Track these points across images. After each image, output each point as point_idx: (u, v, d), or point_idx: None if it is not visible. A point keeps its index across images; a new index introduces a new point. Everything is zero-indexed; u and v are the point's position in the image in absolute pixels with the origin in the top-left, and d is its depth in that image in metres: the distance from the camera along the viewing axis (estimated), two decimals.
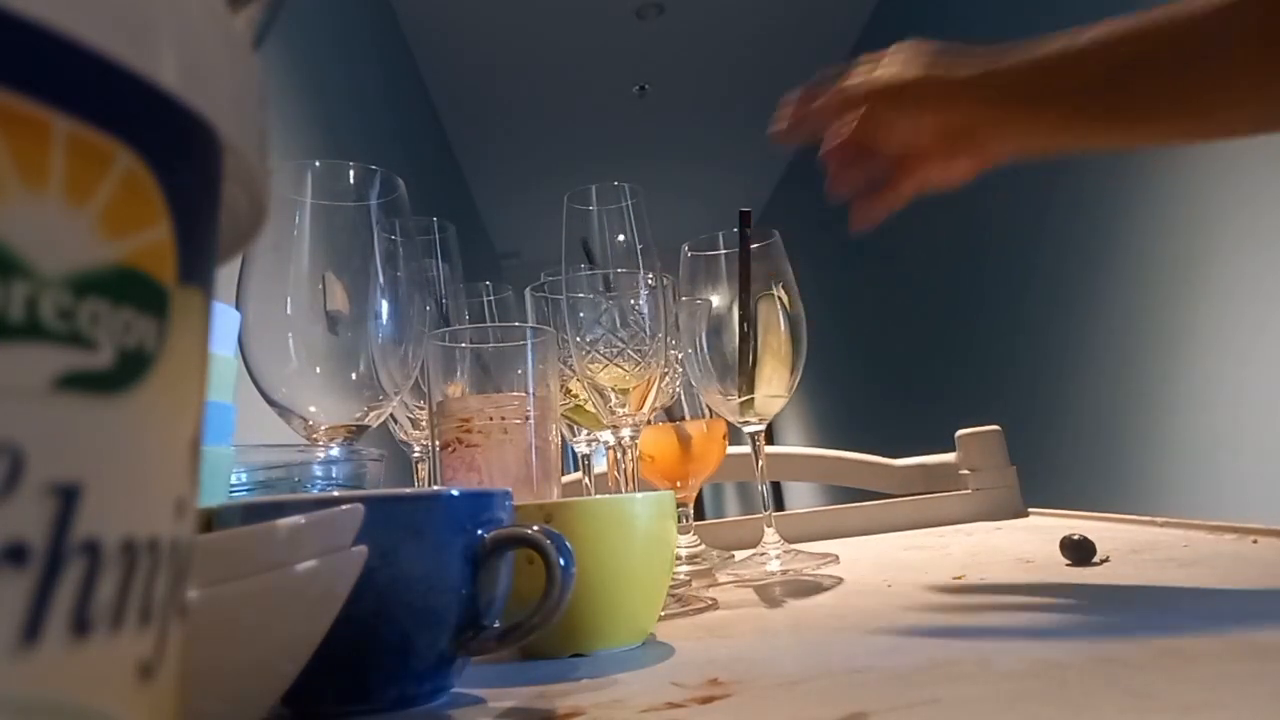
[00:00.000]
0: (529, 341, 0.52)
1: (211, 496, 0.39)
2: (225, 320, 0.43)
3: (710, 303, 0.63)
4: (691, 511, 0.71)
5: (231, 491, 0.43)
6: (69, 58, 0.08)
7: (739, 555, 0.66)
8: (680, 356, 0.65)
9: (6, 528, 0.08)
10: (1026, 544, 0.62)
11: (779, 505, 4.90)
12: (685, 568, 0.64)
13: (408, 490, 0.36)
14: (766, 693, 0.28)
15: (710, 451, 0.71)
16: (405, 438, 0.62)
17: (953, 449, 0.92)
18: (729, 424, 0.67)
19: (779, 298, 0.63)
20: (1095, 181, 2.05)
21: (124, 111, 0.09)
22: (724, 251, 0.63)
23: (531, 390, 0.51)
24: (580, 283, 0.55)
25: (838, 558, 0.61)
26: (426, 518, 0.31)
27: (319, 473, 0.46)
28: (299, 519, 0.24)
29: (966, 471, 0.88)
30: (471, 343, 0.52)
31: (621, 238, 0.55)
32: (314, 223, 0.49)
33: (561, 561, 0.31)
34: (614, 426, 0.56)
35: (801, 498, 4.88)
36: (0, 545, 0.07)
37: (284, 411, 0.48)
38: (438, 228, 0.64)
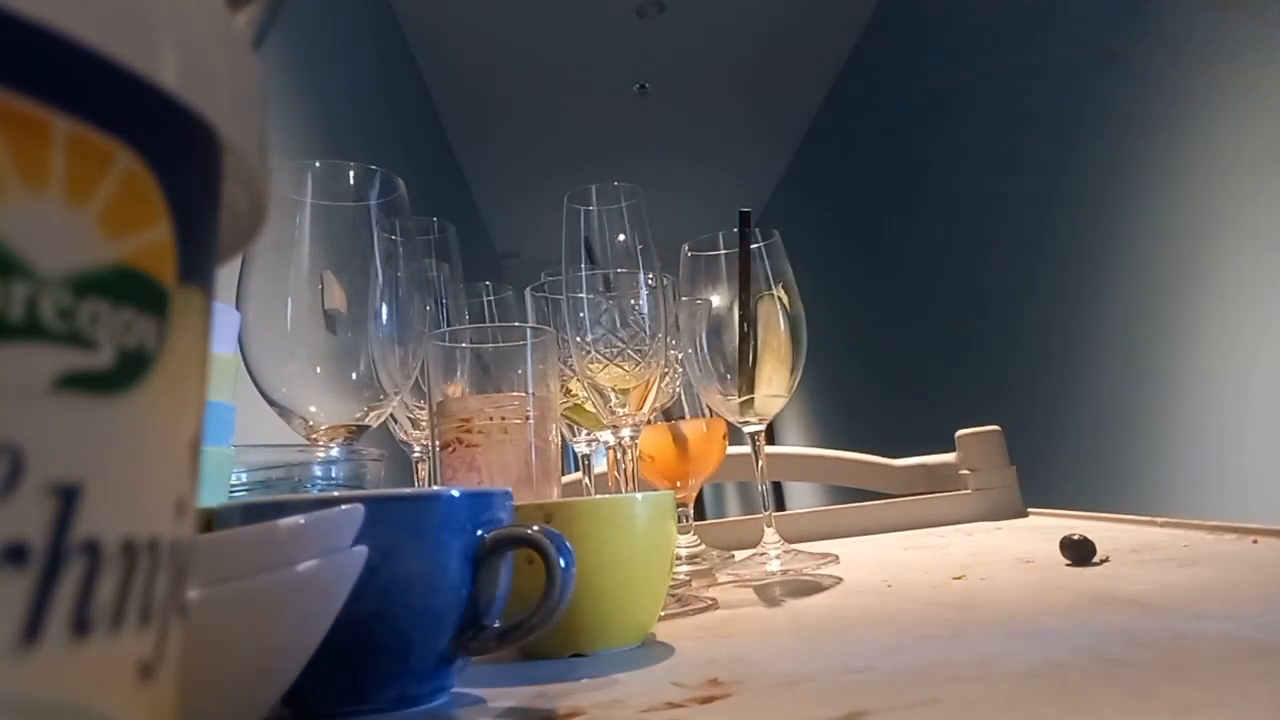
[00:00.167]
0: (529, 341, 0.52)
1: (211, 496, 0.39)
2: (225, 320, 0.43)
3: (710, 303, 0.63)
4: (691, 511, 0.71)
5: (231, 491, 0.43)
6: (69, 58, 0.08)
7: (739, 555, 0.66)
8: (680, 356, 0.65)
9: (6, 528, 0.08)
10: (1026, 544, 0.62)
11: (780, 505, 4.90)
12: (685, 568, 0.64)
13: (408, 490, 0.36)
14: (766, 693, 0.28)
15: (710, 452, 0.71)
16: (405, 438, 0.62)
17: (953, 449, 0.92)
18: (729, 424, 0.67)
19: (779, 298, 0.63)
20: (1097, 182, 2.05)
21: (124, 111, 0.09)
22: (724, 251, 0.63)
23: (531, 390, 0.51)
24: (580, 283, 0.55)
25: (838, 558, 0.61)
26: (426, 518, 0.31)
27: (319, 473, 0.46)
28: (299, 519, 0.24)
29: (966, 472, 0.88)
30: (471, 343, 0.52)
31: (622, 237, 0.55)
32: (314, 223, 0.49)
33: (561, 561, 0.31)
34: (614, 426, 0.56)
35: (802, 498, 4.88)
36: (0, 545, 0.07)
37: (284, 411, 0.48)
38: (438, 228, 0.64)
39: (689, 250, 0.64)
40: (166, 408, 0.10)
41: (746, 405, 0.62)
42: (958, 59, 2.70)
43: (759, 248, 0.63)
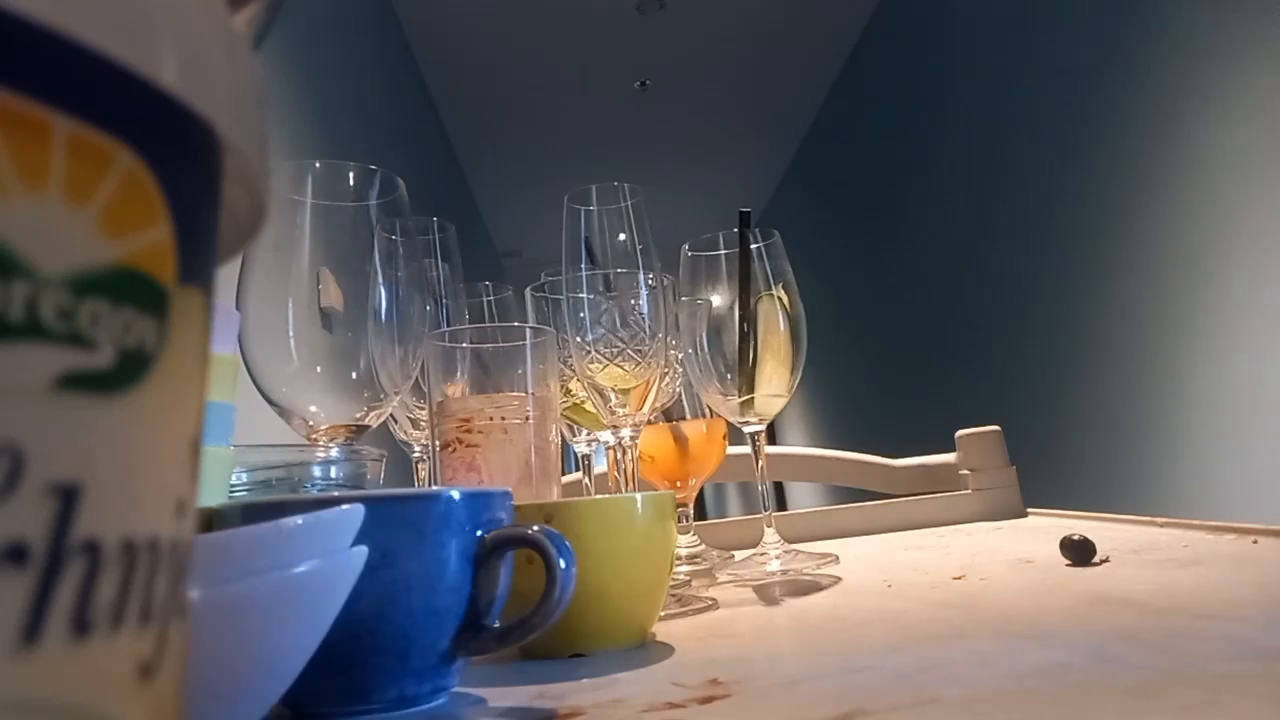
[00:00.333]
0: (529, 341, 0.52)
1: (211, 496, 0.39)
2: (225, 320, 0.43)
3: (710, 303, 0.63)
4: (691, 511, 0.71)
5: (231, 491, 0.43)
6: (69, 58, 0.08)
7: (739, 555, 0.66)
8: (680, 356, 0.65)
9: (6, 528, 0.08)
10: (1026, 544, 0.62)
11: (781, 505, 4.90)
12: (685, 568, 0.64)
13: (408, 490, 0.36)
14: (766, 693, 0.28)
15: (710, 452, 0.71)
16: (405, 438, 0.62)
17: (953, 449, 0.92)
18: (729, 424, 0.67)
19: (779, 298, 0.63)
20: (1099, 182, 2.05)
21: (124, 111, 0.09)
22: (724, 251, 0.63)
23: (531, 390, 0.51)
24: (580, 283, 0.55)
25: (838, 558, 0.61)
26: (426, 518, 0.31)
27: (319, 473, 0.46)
28: (299, 519, 0.24)
29: (966, 472, 0.88)
30: (471, 343, 0.53)
31: (622, 237, 0.55)
32: (314, 223, 0.49)
33: (561, 562, 0.31)
34: (614, 426, 0.56)
35: (804, 498, 4.88)
36: (1, 545, 0.07)
37: (284, 411, 0.48)
38: (438, 228, 0.64)
39: (689, 250, 0.64)
40: (167, 408, 0.10)
41: (746, 405, 0.62)
42: (959, 58, 2.70)
43: (759, 248, 0.63)
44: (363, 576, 0.26)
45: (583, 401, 0.60)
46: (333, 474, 0.46)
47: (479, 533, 0.31)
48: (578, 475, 0.68)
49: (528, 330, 0.52)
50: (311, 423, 0.48)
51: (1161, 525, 0.62)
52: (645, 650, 0.38)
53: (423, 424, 0.61)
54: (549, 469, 0.51)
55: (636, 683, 0.32)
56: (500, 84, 3.50)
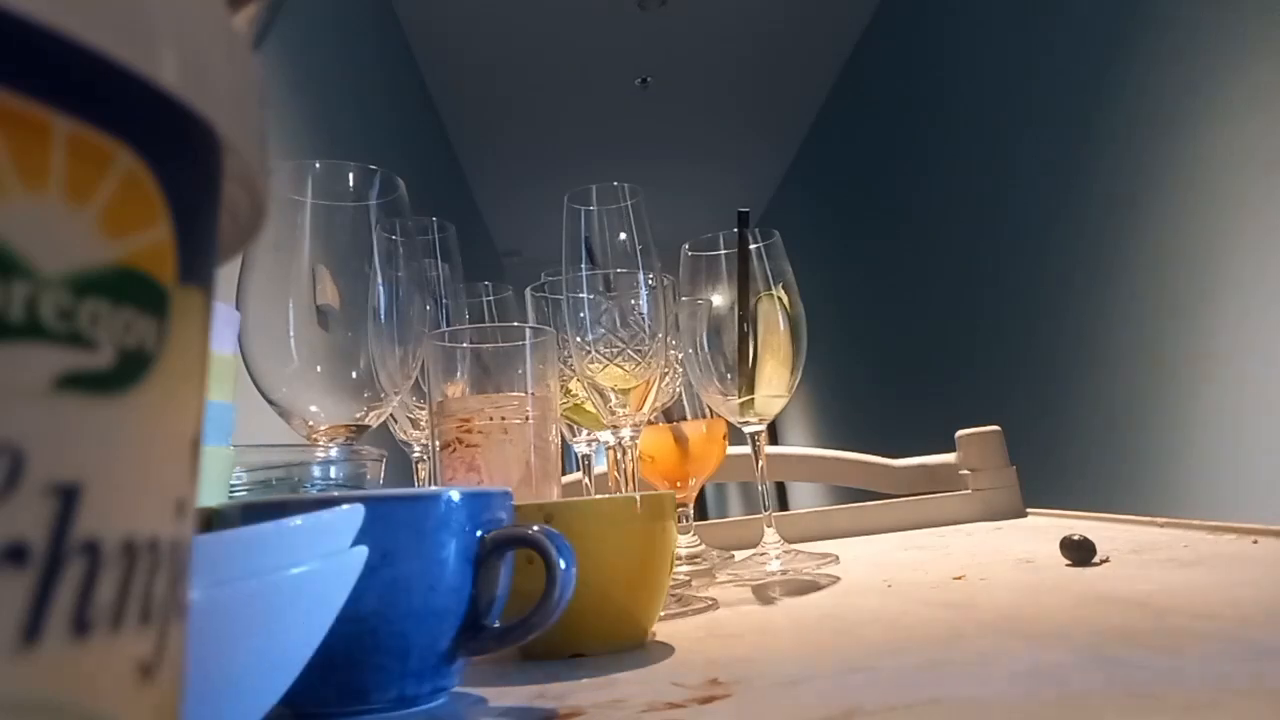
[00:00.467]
0: (529, 341, 0.52)
1: (211, 496, 0.39)
2: (225, 320, 0.43)
3: (710, 303, 0.63)
4: (691, 511, 0.71)
5: (231, 491, 0.43)
6: (69, 58, 0.08)
7: (739, 555, 0.66)
8: (680, 356, 0.65)
9: (6, 528, 0.08)
10: (1026, 544, 0.62)
11: (783, 505, 4.90)
12: (685, 568, 0.64)
13: (408, 490, 0.36)
14: (766, 693, 0.28)
15: (710, 452, 0.71)
16: (405, 438, 0.62)
17: (953, 449, 0.92)
18: (730, 424, 0.67)
19: (779, 298, 0.63)
20: (1102, 182, 2.05)
21: (124, 111, 0.09)
22: (724, 252, 0.63)
23: (531, 390, 0.51)
24: (580, 283, 0.55)
25: (838, 558, 0.61)
26: (426, 518, 0.31)
27: (319, 473, 0.46)
28: (299, 519, 0.24)
29: (967, 472, 0.88)
30: (471, 343, 0.53)
31: (623, 236, 0.56)
32: (314, 223, 0.49)
33: (561, 562, 0.31)
34: (614, 426, 0.56)
35: (805, 498, 4.88)
36: (0, 545, 0.07)
37: (284, 411, 0.48)
38: (437, 228, 0.64)
39: (689, 250, 0.64)
40: (167, 408, 0.10)
41: (746, 405, 0.62)
42: (961, 57, 2.70)
43: (758, 248, 0.63)
44: (363, 576, 0.26)
45: (583, 402, 0.60)
46: (333, 474, 0.46)
47: (479, 533, 0.31)
48: (578, 475, 0.68)
49: (527, 330, 0.52)
50: (311, 423, 0.48)
51: (1161, 525, 0.62)
52: (645, 650, 0.38)
53: (423, 424, 0.61)
54: (549, 469, 0.51)
55: (636, 683, 0.32)
56: (500, 82, 3.49)
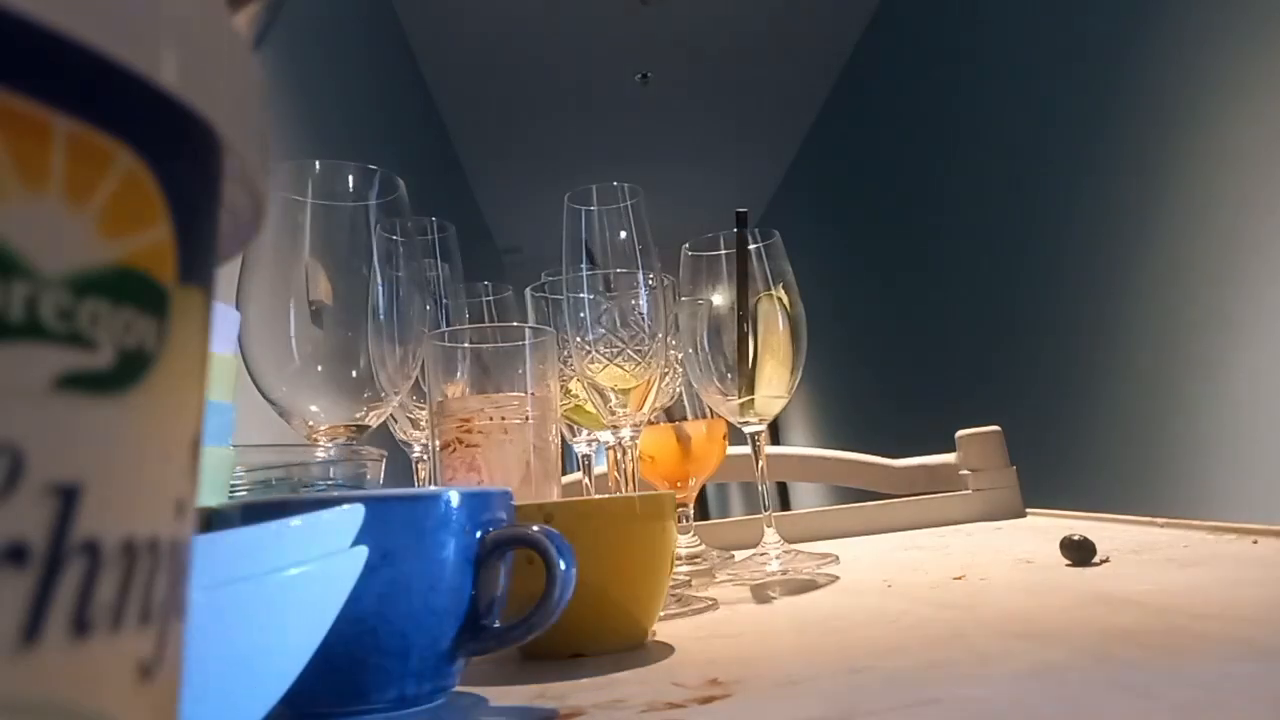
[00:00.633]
0: (528, 341, 0.52)
1: (211, 496, 0.39)
2: (225, 320, 0.43)
3: (710, 303, 0.63)
4: (692, 511, 0.71)
5: (231, 491, 0.43)
6: (69, 58, 0.08)
7: (739, 555, 0.66)
8: (680, 356, 0.65)
9: (6, 528, 0.08)
10: (1026, 544, 0.62)
11: (785, 505, 4.89)
12: (685, 568, 0.64)
13: (408, 490, 0.36)
14: (766, 693, 0.28)
15: (710, 452, 0.71)
16: (405, 438, 0.62)
17: (954, 449, 0.92)
18: (730, 424, 0.67)
19: (779, 298, 0.63)
20: (1106, 184, 2.05)
21: (124, 111, 0.09)
22: (724, 252, 0.63)
23: (531, 390, 0.51)
24: (580, 283, 0.55)
25: (838, 558, 0.61)
26: (426, 518, 0.31)
27: (319, 473, 0.46)
28: (299, 519, 0.24)
29: (967, 472, 0.88)
30: (471, 343, 0.52)
31: (623, 234, 0.56)
32: (314, 223, 0.49)
33: (561, 562, 0.31)
34: (614, 426, 0.56)
35: (807, 498, 4.87)
36: (0, 545, 0.07)
37: (284, 411, 0.48)
38: (437, 228, 0.64)
39: (689, 250, 0.64)
40: (166, 408, 0.10)
41: (746, 406, 0.62)
42: (966, 51, 2.70)
43: (758, 248, 0.63)
44: (363, 576, 0.26)
45: (583, 402, 0.60)
46: (333, 474, 0.46)
47: (479, 533, 0.31)
48: (578, 475, 0.68)
49: (527, 330, 0.52)
50: (311, 423, 0.48)
51: (1161, 525, 0.62)
52: (645, 650, 0.38)
53: (423, 424, 0.61)
54: (549, 469, 0.51)
55: (636, 683, 0.32)
56: (500, 78, 3.46)
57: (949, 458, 0.92)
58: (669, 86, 3.65)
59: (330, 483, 0.46)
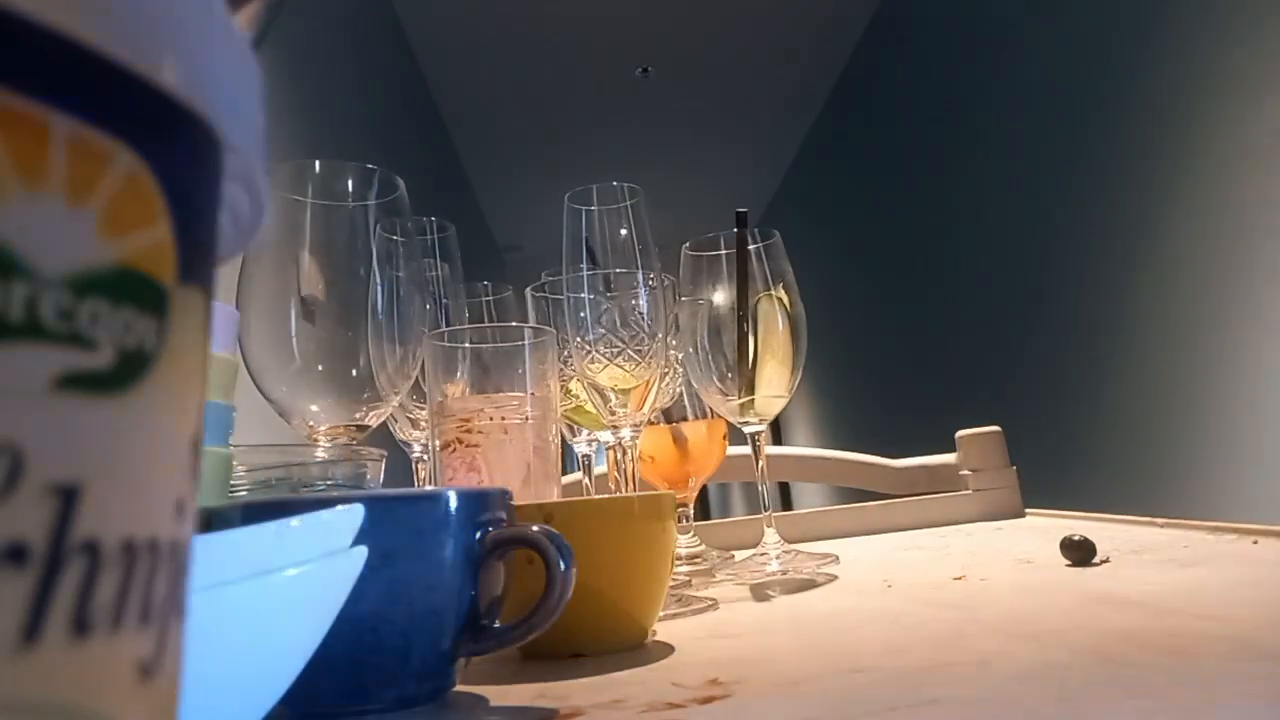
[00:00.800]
0: (528, 341, 0.52)
1: (211, 496, 0.39)
2: (225, 320, 0.43)
3: (710, 303, 0.63)
4: (692, 511, 0.71)
5: (231, 491, 0.43)
6: (69, 57, 0.08)
7: (739, 555, 0.66)
8: (680, 356, 0.65)
9: (6, 528, 0.08)
10: (1026, 544, 0.62)
11: (786, 506, 4.89)
12: (685, 568, 0.64)
13: (408, 490, 0.36)
14: (766, 693, 0.28)
15: (710, 452, 0.71)
16: (405, 438, 0.62)
17: (954, 449, 0.92)
18: (730, 424, 0.67)
19: (779, 298, 0.63)
20: (1106, 187, 2.05)
21: (124, 111, 0.09)
22: (724, 252, 0.63)
23: (531, 390, 0.51)
24: (580, 283, 0.55)
25: (838, 558, 0.61)
26: (426, 518, 0.31)
27: (319, 473, 0.46)
28: (298, 519, 0.24)
29: (967, 472, 0.88)
30: (471, 343, 0.53)
31: (624, 232, 0.56)
32: (314, 223, 0.49)
33: (561, 562, 0.31)
34: (614, 426, 0.56)
35: (810, 498, 4.87)
36: (0, 545, 0.07)
37: (284, 411, 0.48)
38: (437, 228, 0.64)
39: (689, 250, 0.64)
40: (166, 408, 0.10)
41: (747, 406, 0.62)
42: (972, 44, 2.69)
43: (758, 248, 0.63)
44: (363, 576, 0.26)
45: (584, 403, 0.60)
46: (332, 474, 0.46)
47: (479, 533, 0.31)
48: (578, 475, 0.68)
49: (527, 330, 0.52)
50: (311, 423, 0.48)
51: (1161, 525, 0.62)
52: (645, 650, 0.38)
53: (423, 424, 0.61)
54: (549, 469, 0.51)
55: (636, 683, 0.32)
56: (499, 73, 3.42)
57: (949, 458, 0.92)
58: (670, 80, 3.60)
59: (330, 483, 0.46)
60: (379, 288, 0.49)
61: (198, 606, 0.20)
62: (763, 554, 0.61)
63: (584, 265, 0.55)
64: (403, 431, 0.62)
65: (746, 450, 0.65)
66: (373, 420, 0.50)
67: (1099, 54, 1.99)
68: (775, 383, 0.62)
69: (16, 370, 0.08)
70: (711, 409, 0.68)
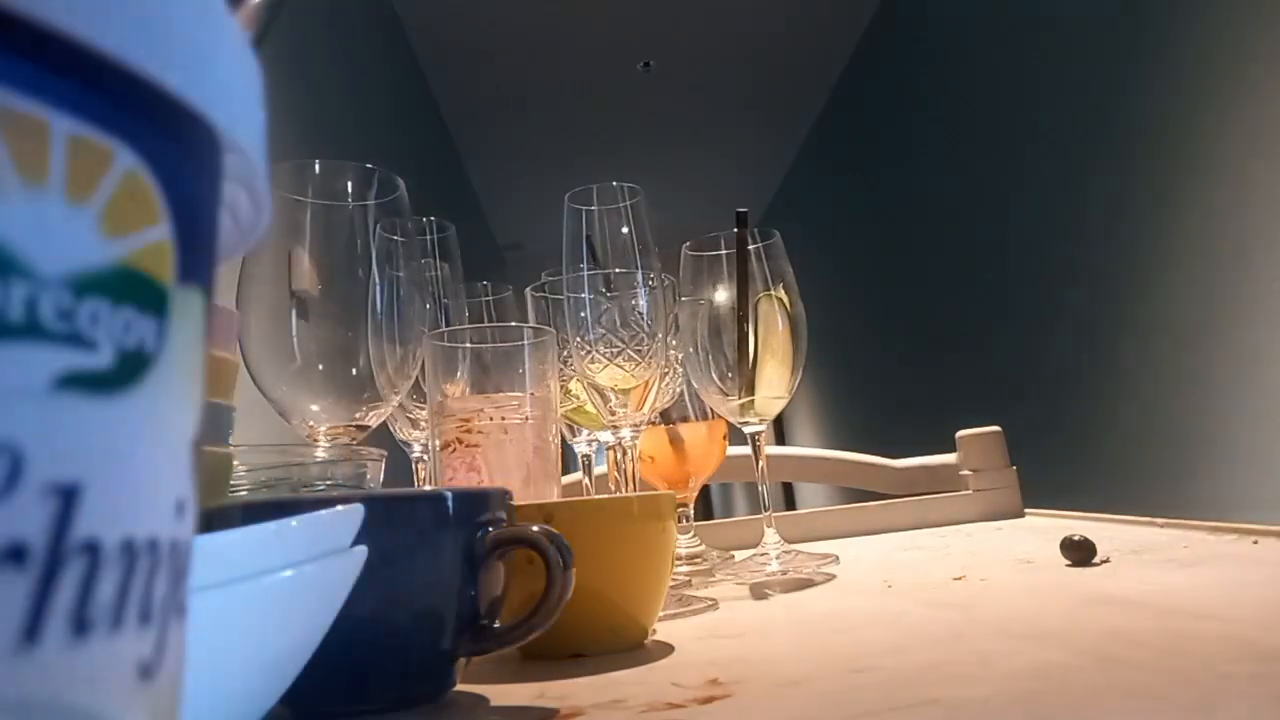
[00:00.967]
0: (528, 341, 0.52)
1: (211, 496, 0.39)
2: (225, 320, 0.43)
3: (710, 303, 0.63)
4: (692, 512, 0.71)
5: (231, 491, 0.43)
6: (69, 57, 0.08)
7: (739, 555, 0.66)
8: (680, 356, 0.65)
9: (6, 528, 0.08)
10: (1027, 544, 0.62)
11: (790, 506, 4.88)
12: (685, 568, 0.64)
13: (408, 490, 0.36)
14: (766, 693, 0.28)
15: (710, 453, 0.71)
16: (405, 438, 0.62)
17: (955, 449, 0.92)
18: (731, 424, 0.67)
19: (779, 298, 0.63)
20: (1109, 188, 2.05)
21: (124, 111, 0.09)
22: (725, 252, 0.63)
23: (531, 390, 0.51)
24: (580, 282, 0.55)
25: (838, 558, 0.61)
26: (426, 518, 0.31)
27: (319, 473, 0.46)
28: (298, 519, 0.24)
29: (967, 472, 0.88)
30: (471, 343, 0.53)
31: (625, 230, 0.56)
32: (314, 223, 0.49)
33: (561, 561, 0.31)
34: (614, 427, 0.56)
35: (814, 498, 4.86)
36: (0, 545, 0.07)
37: (284, 410, 0.48)
38: (437, 228, 0.64)
39: (689, 250, 0.64)
40: (166, 408, 0.10)
41: (747, 406, 0.62)
42: (980, 32, 2.68)
43: (758, 248, 0.63)
44: (363, 576, 0.26)
45: (584, 403, 0.60)
46: (332, 474, 0.46)
47: (479, 533, 0.31)
48: (578, 475, 0.68)
49: (527, 330, 0.52)
50: (312, 422, 0.48)
51: (1161, 525, 0.62)
52: (645, 650, 0.38)
53: (423, 424, 0.61)
54: (549, 469, 0.51)
55: (636, 683, 0.32)
56: (499, 69, 3.40)
57: (949, 458, 0.92)
58: (671, 75, 3.57)
59: (330, 483, 0.46)
60: (379, 288, 0.49)
61: (198, 606, 0.20)
62: (763, 554, 0.61)
63: (584, 265, 0.55)
64: (403, 431, 0.62)
65: (747, 450, 0.65)
66: (373, 420, 0.50)
67: (1101, 54, 1.99)
68: (775, 383, 0.62)
69: (16, 370, 0.08)
70: (711, 409, 0.68)
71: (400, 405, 0.59)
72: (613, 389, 0.54)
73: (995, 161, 2.54)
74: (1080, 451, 2.17)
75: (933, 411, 3.03)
